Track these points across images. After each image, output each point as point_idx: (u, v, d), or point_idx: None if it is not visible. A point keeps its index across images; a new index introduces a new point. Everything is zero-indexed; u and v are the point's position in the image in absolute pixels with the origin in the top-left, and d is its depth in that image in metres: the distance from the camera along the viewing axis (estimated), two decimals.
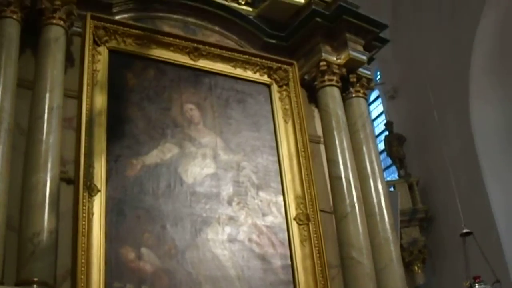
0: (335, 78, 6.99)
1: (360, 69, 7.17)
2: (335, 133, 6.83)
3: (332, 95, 6.96)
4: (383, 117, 16.30)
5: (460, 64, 13.83)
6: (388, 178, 14.91)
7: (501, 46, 13.64)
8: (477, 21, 13.59)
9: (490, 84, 13.77)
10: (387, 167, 15.47)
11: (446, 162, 12.77)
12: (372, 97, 16.82)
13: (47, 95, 5.60)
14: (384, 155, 15.11)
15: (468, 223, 11.95)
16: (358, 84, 7.14)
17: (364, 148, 6.94)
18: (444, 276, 13.44)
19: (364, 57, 7.16)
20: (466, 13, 13.82)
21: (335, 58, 7.05)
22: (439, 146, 13.25)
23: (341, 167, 6.70)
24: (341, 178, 6.66)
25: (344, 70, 7.05)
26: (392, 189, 14.17)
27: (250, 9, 7.47)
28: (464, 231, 10.64)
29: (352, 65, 7.08)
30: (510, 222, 12.69)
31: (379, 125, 16.24)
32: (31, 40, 5.92)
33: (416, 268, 13.65)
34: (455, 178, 12.98)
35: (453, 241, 12.16)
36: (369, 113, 14.68)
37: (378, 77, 16.44)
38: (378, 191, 6.78)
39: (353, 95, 7.12)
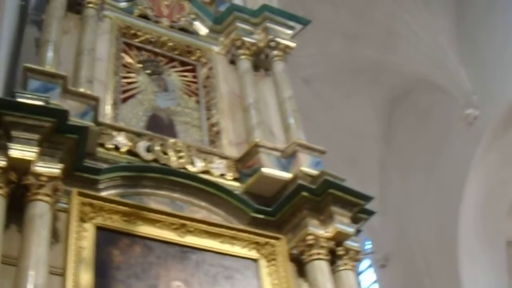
0: (323, 251, 6.90)
1: (348, 242, 7.11)
2: None
3: (321, 268, 6.84)
4: (376, 286, 16.14)
5: (448, 231, 13.92)
6: None
7: (486, 212, 13.80)
8: (463, 187, 13.81)
9: (479, 249, 13.81)
10: None
11: None
12: (364, 266, 16.73)
13: (32, 272, 5.45)
14: None
15: None
16: (346, 257, 7.05)
17: None
18: None
19: (352, 230, 7.13)
20: (451, 180, 14.07)
21: (322, 232, 7.00)
22: None
23: None
24: None
25: (332, 243, 7.00)
26: None
27: (237, 184, 7.51)
28: None
29: (339, 238, 7.03)
30: None
31: None
32: (16, 216, 5.85)
33: None
34: None
35: None
36: (359, 284, 14.60)
37: (369, 246, 16.45)
38: None
39: (342, 268, 7.01)
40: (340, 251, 7.05)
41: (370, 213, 7.52)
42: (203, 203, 7.14)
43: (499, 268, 14.03)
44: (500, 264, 14.08)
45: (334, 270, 7.03)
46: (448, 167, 14.25)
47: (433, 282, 13.47)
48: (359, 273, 15.93)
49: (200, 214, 7.05)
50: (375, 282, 16.31)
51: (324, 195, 7.08)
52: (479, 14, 13.88)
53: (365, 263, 16.68)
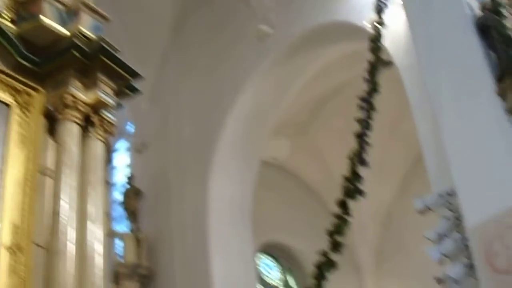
0: (78, 115, 6.89)
1: (106, 113, 7.14)
2: (66, 170, 6.71)
3: (72, 131, 6.85)
4: (127, 169, 16.31)
5: (209, 136, 14.28)
6: (119, 230, 14.86)
7: (250, 129, 14.30)
8: (235, 99, 14.17)
9: (234, 161, 14.34)
10: (120, 219, 15.43)
11: (176, 224, 13.00)
12: (121, 147, 16.84)
13: None
14: (120, 206, 15.12)
15: (187, 287, 12.16)
16: (100, 127, 7.10)
17: (93, 191, 6.86)
18: None
19: (112, 101, 7.16)
20: (227, 89, 14.38)
21: (83, 96, 6.98)
22: (173, 208, 13.47)
23: (64, 204, 6.57)
24: (61, 215, 6.53)
25: (89, 109, 7.00)
26: (120, 241, 14.16)
27: (12, 26, 7.20)
28: None
29: (98, 106, 7.05)
30: None
31: (122, 177, 16.19)
32: None
33: None
34: (182, 242, 13.25)
35: None
36: (111, 160, 14.66)
37: (133, 130, 16.53)
38: (96, 236, 6.70)
39: (93, 137, 7.07)
40: (95, 119, 7.07)
41: (136, 90, 7.57)
42: None
43: (248, 183, 14.67)
44: (249, 180, 14.73)
45: (85, 137, 7.06)
46: (228, 76, 14.49)
47: (180, 179, 13.83)
48: (114, 151, 16.02)
49: None
50: (128, 165, 16.50)
51: (94, 60, 7.04)
52: None
53: (122, 145, 16.81)
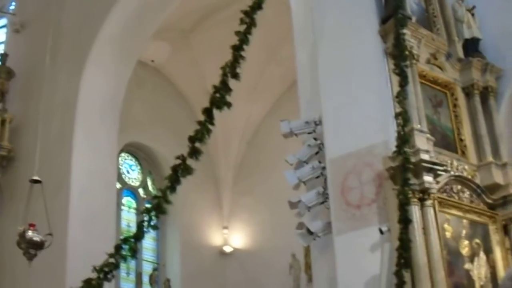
0: None
1: None
2: None
3: None
4: (1, 47, 15.83)
5: (91, 26, 14.00)
6: None
7: (132, 28, 14.12)
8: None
9: (111, 57, 14.14)
10: None
11: (44, 109, 12.80)
12: None
13: None
14: None
15: (45, 173, 12.05)
16: None
17: None
18: (7, 217, 13.42)
19: None
20: None
21: None
22: (43, 93, 13.25)
23: None
24: None
25: None
26: None
27: None
28: (34, 178, 10.73)
29: None
30: (82, 184, 13.13)
31: None
32: None
33: None
34: (48, 128, 13.08)
35: (26, 186, 12.19)
36: None
37: (13, 6, 15.95)
38: None
39: None
40: None
41: None
42: None
43: (121, 81, 14.53)
44: (123, 78, 14.55)
45: None
46: None
47: (54, 65, 13.32)
48: None
49: None
50: (3, 43, 16.01)
51: None
52: None
53: (1, 22, 16.27)
